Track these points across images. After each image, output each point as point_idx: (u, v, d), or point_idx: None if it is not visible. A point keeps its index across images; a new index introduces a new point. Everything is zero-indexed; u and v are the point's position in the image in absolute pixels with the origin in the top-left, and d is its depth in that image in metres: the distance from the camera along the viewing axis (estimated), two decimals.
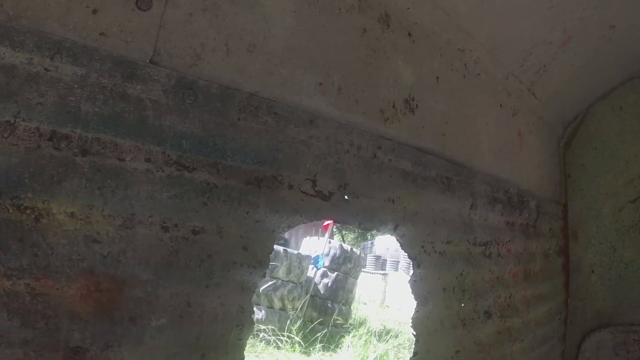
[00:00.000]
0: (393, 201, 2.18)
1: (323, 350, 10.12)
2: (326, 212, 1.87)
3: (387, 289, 22.65)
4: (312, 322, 10.98)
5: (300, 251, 13.23)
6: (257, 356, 8.60)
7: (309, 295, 11.69)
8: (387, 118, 2.16)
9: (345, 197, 1.95)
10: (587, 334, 4.69)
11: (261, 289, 10.87)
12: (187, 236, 1.49)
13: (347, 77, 2.00)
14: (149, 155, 1.40)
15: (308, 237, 15.08)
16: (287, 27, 1.79)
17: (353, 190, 1.99)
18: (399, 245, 2.31)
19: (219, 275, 1.56)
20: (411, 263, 2.34)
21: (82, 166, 1.29)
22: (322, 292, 12.31)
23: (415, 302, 2.37)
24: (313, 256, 12.30)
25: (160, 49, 1.44)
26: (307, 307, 11.51)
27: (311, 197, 1.83)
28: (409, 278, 2.36)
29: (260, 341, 9.56)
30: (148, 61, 1.41)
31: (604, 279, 4.67)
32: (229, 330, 1.60)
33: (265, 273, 1.71)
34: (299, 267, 11.64)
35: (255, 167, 1.67)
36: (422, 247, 2.38)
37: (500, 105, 3.24)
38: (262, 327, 9.75)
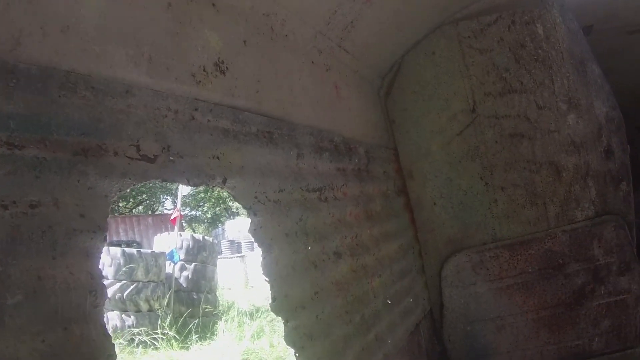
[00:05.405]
0: (218, 158, 2.50)
1: (200, 341, 10.37)
2: (153, 173, 2.12)
3: (247, 270, 23.49)
4: (182, 316, 11.29)
5: (153, 249, 13.40)
6: None
7: (172, 291, 11.99)
8: (200, 81, 2.47)
9: (170, 157, 2.22)
10: (444, 261, 5.24)
11: (124, 294, 10.89)
12: (26, 210, 1.62)
13: (157, 47, 2.27)
14: None
15: (159, 234, 15.18)
16: (98, 7, 1.99)
17: (177, 151, 2.27)
18: (232, 197, 2.62)
19: (63, 244, 1.70)
20: (247, 213, 2.65)
21: None
22: (184, 285, 12.83)
23: (260, 249, 2.70)
24: (167, 252, 12.56)
25: None
26: (173, 302, 11.86)
27: (137, 160, 2.07)
28: (249, 227, 2.67)
29: (137, 345, 9.64)
30: None
31: (447, 209, 5.27)
32: (83, 298, 1.73)
33: (105, 237, 1.89)
34: (156, 266, 11.93)
35: (80, 139, 1.85)
36: (256, 197, 2.73)
37: (312, 62, 3.69)
38: (135, 330, 9.79)
